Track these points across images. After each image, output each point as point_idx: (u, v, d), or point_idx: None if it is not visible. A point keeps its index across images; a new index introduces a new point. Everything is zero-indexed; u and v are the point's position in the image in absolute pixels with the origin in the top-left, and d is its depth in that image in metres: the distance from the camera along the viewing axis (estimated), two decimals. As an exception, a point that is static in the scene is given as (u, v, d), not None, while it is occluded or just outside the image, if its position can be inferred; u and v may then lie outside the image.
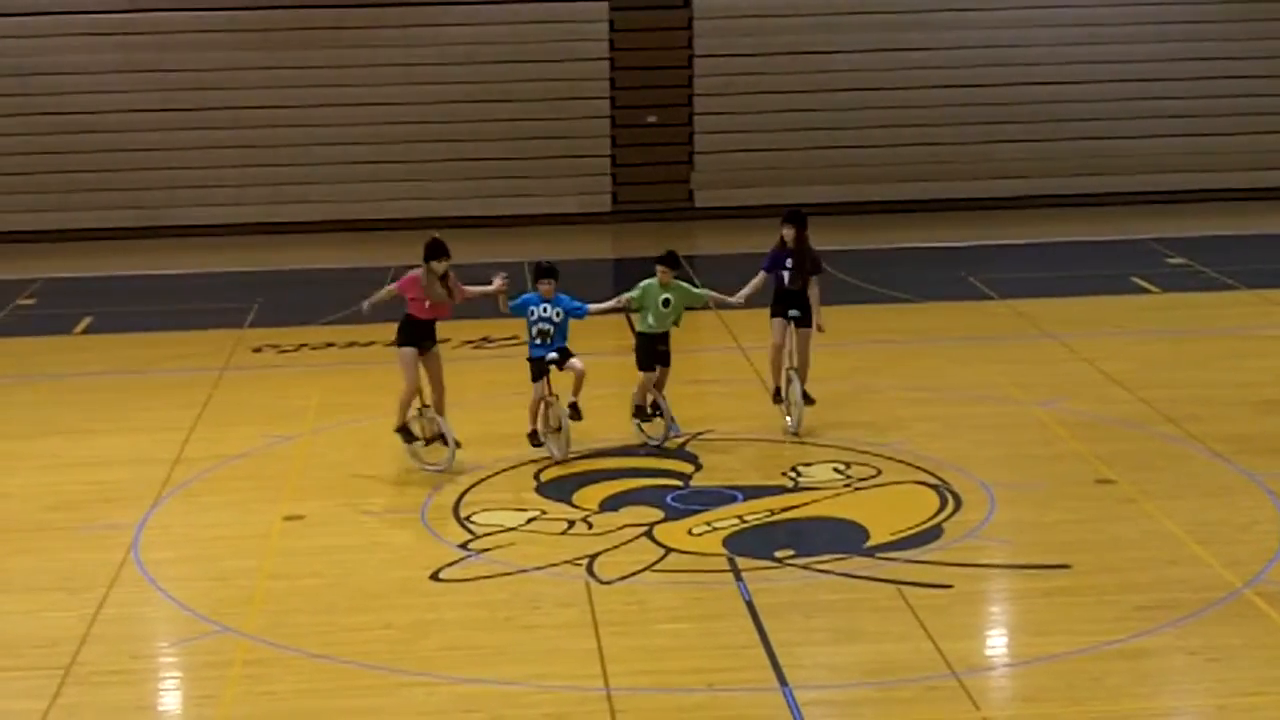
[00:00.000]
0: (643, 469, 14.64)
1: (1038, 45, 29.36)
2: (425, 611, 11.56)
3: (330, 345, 19.77)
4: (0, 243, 27.45)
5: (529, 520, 13.35)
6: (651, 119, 29.12)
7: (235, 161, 28.54)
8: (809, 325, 15.40)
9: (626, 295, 15.31)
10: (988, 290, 22.02)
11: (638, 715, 9.93)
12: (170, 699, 10.69)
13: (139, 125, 28.38)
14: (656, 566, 12.28)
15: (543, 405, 14.82)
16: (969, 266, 23.57)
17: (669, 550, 12.59)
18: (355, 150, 28.53)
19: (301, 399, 17.25)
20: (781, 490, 13.96)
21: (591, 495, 13.90)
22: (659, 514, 13.39)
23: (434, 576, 12.21)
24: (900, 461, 14.64)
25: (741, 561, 12.28)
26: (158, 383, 18.28)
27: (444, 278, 14.39)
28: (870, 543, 12.66)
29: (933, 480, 14.12)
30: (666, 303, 15.12)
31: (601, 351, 16.54)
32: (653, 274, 15.19)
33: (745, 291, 15.44)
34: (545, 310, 14.72)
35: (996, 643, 11.20)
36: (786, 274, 15.29)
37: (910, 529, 12.93)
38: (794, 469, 14.51)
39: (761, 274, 15.42)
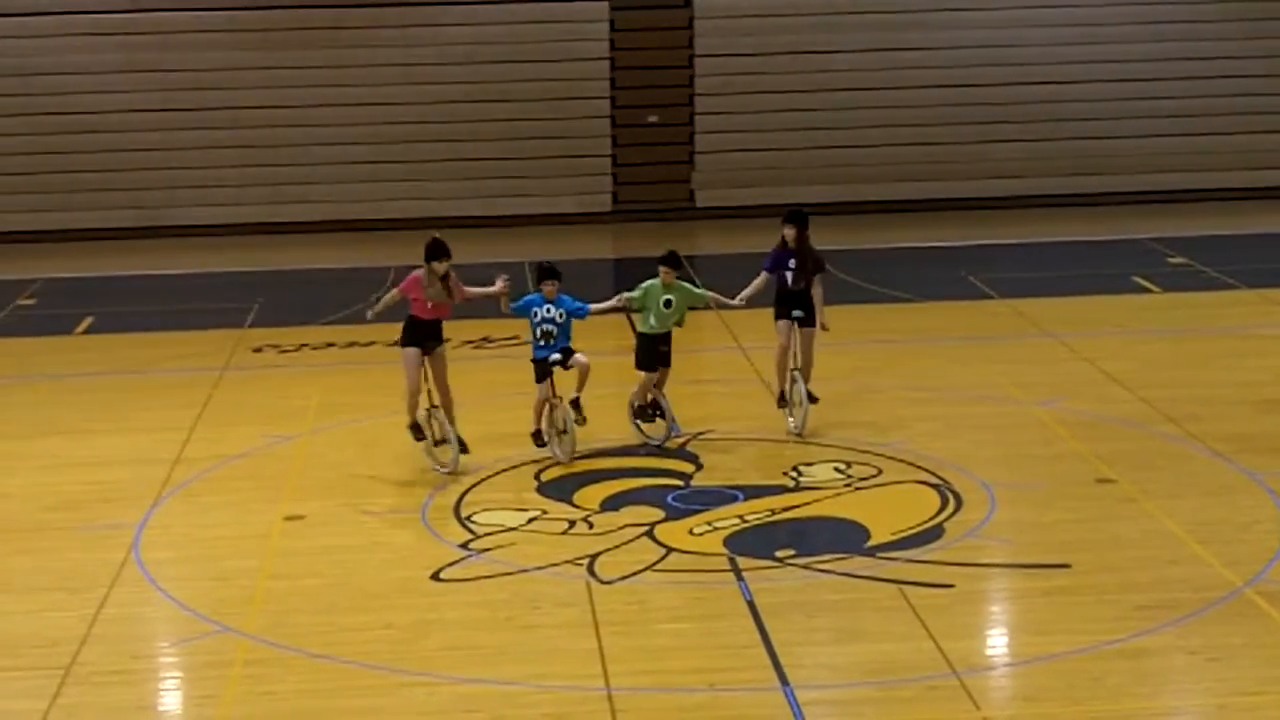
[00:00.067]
0: (643, 469, 14.64)
1: (1035, 45, 29.33)
2: (426, 611, 11.56)
3: (330, 345, 19.77)
4: (1, 243, 27.46)
5: (530, 520, 13.36)
6: (652, 119, 29.12)
7: (235, 162, 28.53)
8: (812, 325, 15.40)
9: (626, 295, 15.31)
10: (988, 290, 22.02)
11: (638, 715, 9.93)
12: (171, 699, 10.70)
13: (140, 125, 28.38)
14: (657, 566, 12.28)
15: (547, 407, 14.81)
16: (969, 266, 23.57)
17: (670, 550, 12.59)
18: (355, 150, 28.52)
19: (301, 399, 17.25)
20: (782, 490, 13.96)
21: (592, 495, 13.90)
22: (660, 514, 13.39)
23: (435, 576, 12.21)
24: (901, 461, 14.64)
25: (742, 561, 12.28)
26: (158, 383, 18.28)
27: (444, 278, 14.39)
28: (871, 542, 12.66)
29: (933, 480, 14.12)
30: (668, 303, 15.12)
31: (601, 351, 16.52)
32: (653, 274, 15.19)
33: (746, 293, 15.43)
34: (549, 311, 14.71)
35: (997, 642, 11.21)
36: (790, 274, 15.29)
37: (911, 529, 12.93)
38: (795, 469, 14.51)
39: (763, 275, 15.41)
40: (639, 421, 15.35)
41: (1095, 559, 12.22)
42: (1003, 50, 29.30)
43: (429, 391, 14.52)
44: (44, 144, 28.33)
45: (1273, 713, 9.82)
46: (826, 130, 28.93)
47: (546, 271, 14.79)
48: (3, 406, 17.59)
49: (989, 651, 11.01)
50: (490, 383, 17.39)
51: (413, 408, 14.52)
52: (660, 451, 15.08)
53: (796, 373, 15.44)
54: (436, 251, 14.36)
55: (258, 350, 19.69)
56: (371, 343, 19.27)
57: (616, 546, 12.67)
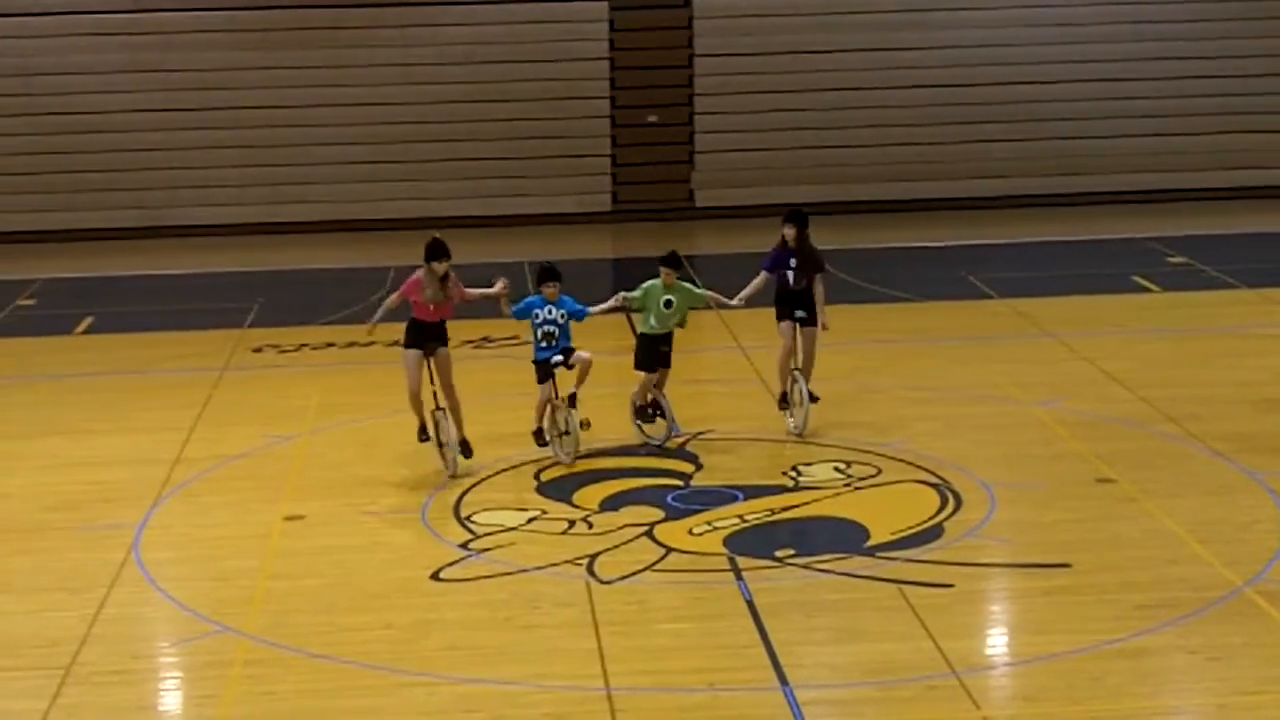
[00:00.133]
0: (643, 469, 14.64)
1: (1043, 44, 29.33)
2: (426, 611, 11.56)
3: (330, 345, 19.76)
4: (2, 243, 27.47)
5: (529, 520, 13.36)
6: (652, 119, 29.12)
7: (235, 162, 28.55)
8: (814, 324, 15.39)
9: (626, 295, 15.31)
10: (988, 290, 22.02)
11: (638, 715, 9.93)
12: (171, 699, 10.70)
13: (142, 125, 28.39)
14: (657, 566, 12.28)
15: (549, 408, 14.81)
16: (969, 266, 23.57)
17: (669, 550, 12.59)
18: (354, 150, 28.53)
19: (301, 399, 17.25)
20: (782, 490, 13.96)
21: (592, 495, 13.90)
22: (659, 513, 13.39)
23: (434, 576, 12.21)
24: (901, 461, 14.64)
25: (742, 561, 12.28)
26: (158, 383, 18.28)
27: (444, 278, 14.38)
28: (871, 542, 12.66)
29: (933, 479, 14.12)
30: (669, 304, 15.11)
31: (602, 351, 16.51)
32: (653, 274, 15.18)
33: (746, 293, 15.42)
34: (550, 313, 14.70)
35: (997, 642, 11.21)
36: (791, 274, 15.29)
37: (911, 528, 12.93)
38: (794, 468, 14.51)
39: (763, 274, 15.41)
40: (640, 422, 15.34)
41: (1095, 559, 12.22)
42: (1009, 50, 29.28)
43: (435, 393, 14.51)
44: (46, 144, 28.35)
45: (1273, 712, 9.82)
46: (826, 130, 28.92)
47: (547, 273, 14.78)
48: (3, 406, 17.59)
49: (989, 651, 11.01)
50: (490, 383, 17.38)
51: (417, 410, 14.50)
52: (660, 451, 15.08)
53: (797, 372, 15.43)
54: (436, 252, 14.34)
55: (257, 350, 19.69)
56: (371, 343, 19.18)
57: (616, 546, 12.67)
